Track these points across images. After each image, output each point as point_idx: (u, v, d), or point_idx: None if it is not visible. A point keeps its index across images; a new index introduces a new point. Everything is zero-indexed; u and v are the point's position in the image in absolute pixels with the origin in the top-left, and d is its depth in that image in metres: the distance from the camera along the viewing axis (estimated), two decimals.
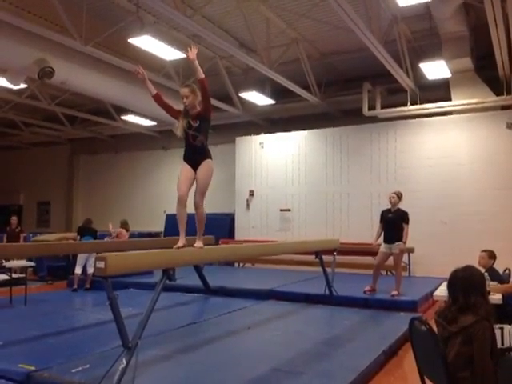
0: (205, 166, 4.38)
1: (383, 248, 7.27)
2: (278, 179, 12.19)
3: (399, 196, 7.33)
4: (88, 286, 8.83)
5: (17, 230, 11.03)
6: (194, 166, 4.38)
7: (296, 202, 11.91)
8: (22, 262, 8.29)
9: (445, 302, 4.98)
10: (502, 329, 3.95)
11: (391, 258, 7.30)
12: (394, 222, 7.20)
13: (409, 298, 7.01)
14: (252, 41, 8.87)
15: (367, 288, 7.39)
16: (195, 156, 4.40)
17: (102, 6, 8.22)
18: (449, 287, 2.91)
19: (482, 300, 2.80)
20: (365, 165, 11.13)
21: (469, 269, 2.95)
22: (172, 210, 15.34)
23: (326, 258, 7.14)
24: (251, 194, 12.47)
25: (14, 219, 11.18)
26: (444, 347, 2.78)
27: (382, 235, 7.36)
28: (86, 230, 9.28)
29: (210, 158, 4.43)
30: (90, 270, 8.79)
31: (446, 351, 2.77)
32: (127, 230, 9.93)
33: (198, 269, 7.68)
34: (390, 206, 7.37)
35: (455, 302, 2.81)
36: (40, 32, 7.55)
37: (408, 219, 7.17)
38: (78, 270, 8.83)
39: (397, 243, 7.12)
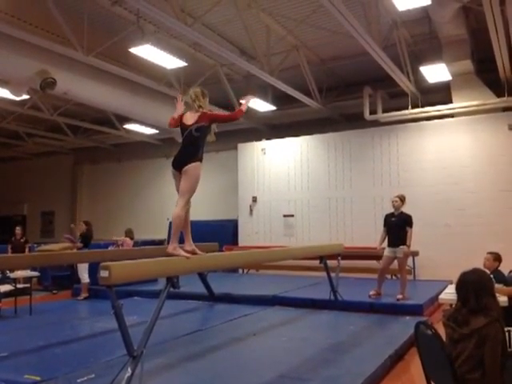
0: None
1: (387, 252, 7.26)
2: (281, 185, 12.19)
3: (402, 199, 7.32)
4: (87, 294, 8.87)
5: (22, 240, 11.05)
6: None
7: (299, 208, 11.90)
8: (27, 272, 8.30)
9: (451, 305, 4.97)
10: (509, 332, 3.94)
11: (396, 262, 7.29)
12: (397, 226, 7.19)
13: (414, 302, 6.97)
14: (252, 48, 8.90)
15: (372, 292, 7.37)
16: None
17: (102, 17, 8.27)
18: (458, 290, 2.90)
19: (493, 301, 2.81)
20: (367, 169, 11.13)
21: (477, 271, 2.97)
22: None
23: (330, 262, 7.13)
24: (254, 200, 12.47)
25: (18, 229, 11.19)
26: (453, 349, 2.78)
27: (386, 239, 7.35)
28: (90, 239, 9.32)
29: None
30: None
31: (454, 354, 2.76)
32: (131, 239, 9.93)
33: (202, 276, 7.68)
34: (393, 210, 7.36)
35: (466, 305, 2.81)
36: (41, 43, 7.60)
37: (412, 222, 7.16)
38: (87, 279, 8.86)
39: (401, 247, 7.10)
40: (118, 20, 8.30)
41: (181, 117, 4.43)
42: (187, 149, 4.27)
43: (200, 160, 4.27)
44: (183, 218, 4.24)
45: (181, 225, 4.25)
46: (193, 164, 4.18)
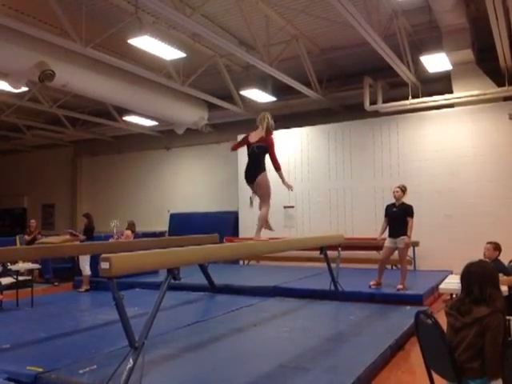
0: None
1: (388, 242, 7.27)
2: None
3: (403, 190, 7.32)
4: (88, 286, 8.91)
5: (36, 232, 11.14)
6: None
7: (299, 199, 11.90)
8: (28, 265, 8.33)
9: (451, 294, 4.99)
10: (509, 321, 3.96)
11: (396, 252, 7.30)
12: (398, 216, 7.19)
13: (414, 292, 7.01)
14: (252, 38, 8.84)
15: (373, 282, 7.40)
16: None
17: (100, 8, 8.21)
18: (463, 280, 2.94)
19: (497, 292, 2.84)
20: (368, 160, 11.11)
21: (483, 263, 3.03)
22: (175, 209, 15.28)
23: (330, 253, 7.14)
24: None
25: (32, 222, 11.33)
26: (453, 338, 2.80)
27: (387, 230, 7.36)
28: (92, 231, 9.34)
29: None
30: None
31: (454, 343, 2.78)
32: (133, 232, 9.89)
33: (202, 267, 7.70)
34: (394, 201, 7.36)
35: (469, 295, 2.84)
36: (40, 35, 7.55)
37: (412, 213, 7.16)
38: (89, 271, 8.89)
39: (402, 237, 7.10)
40: (116, 11, 8.24)
41: (247, 136, 5.39)
42: (252, 163, 5.23)
43: (264, 170, 5.28)
44: (267, 218, 5.43)
45: (264, 223, 5.51)
46: (260, 175, 5.17)
